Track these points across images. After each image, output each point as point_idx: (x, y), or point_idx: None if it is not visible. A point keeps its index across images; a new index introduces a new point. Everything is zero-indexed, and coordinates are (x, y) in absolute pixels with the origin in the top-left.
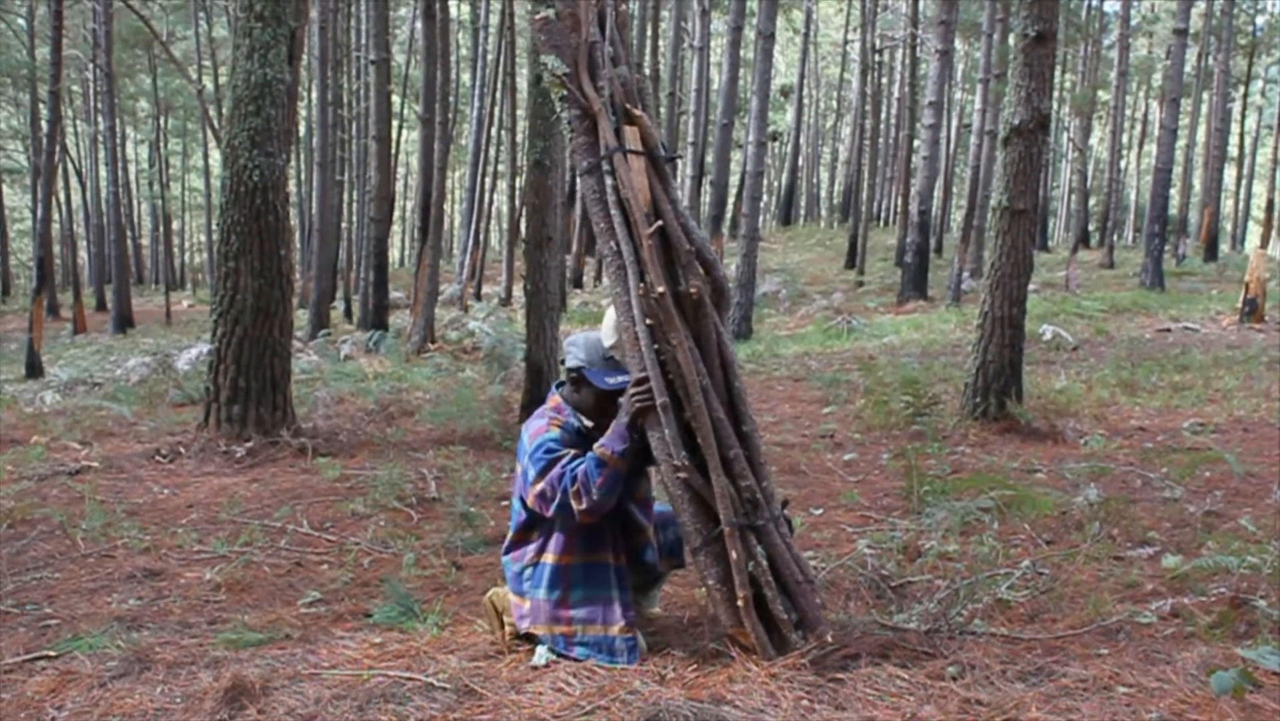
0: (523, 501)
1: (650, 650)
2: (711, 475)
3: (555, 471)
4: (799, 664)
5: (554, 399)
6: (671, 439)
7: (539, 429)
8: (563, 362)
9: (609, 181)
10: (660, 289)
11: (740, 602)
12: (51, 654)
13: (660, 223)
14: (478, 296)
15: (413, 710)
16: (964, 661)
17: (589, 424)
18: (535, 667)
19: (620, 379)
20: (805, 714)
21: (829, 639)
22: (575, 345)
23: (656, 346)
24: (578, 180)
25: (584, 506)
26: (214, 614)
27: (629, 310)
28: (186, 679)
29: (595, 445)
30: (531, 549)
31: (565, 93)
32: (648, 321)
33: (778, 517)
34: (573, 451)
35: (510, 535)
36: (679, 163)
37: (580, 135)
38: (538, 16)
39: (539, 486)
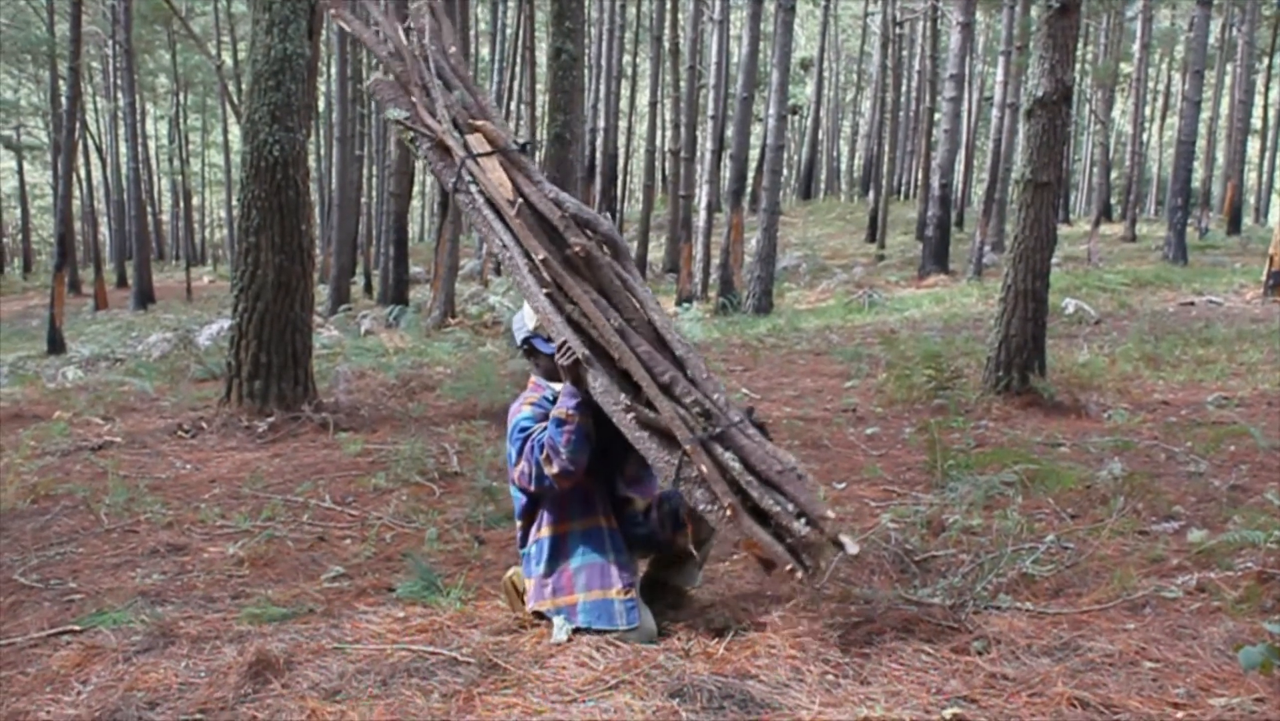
0: (514, 485)
1: (674, 624)
2: (656, 403)
3: (528, 447)
4: (824, 637)
5: (531, 379)
6: (606, 386)
7: (514, 411)
8: (512, 343)
9: (475, 189)
10: (541, 254)
11: (729, 512)
12: (76, 628)
13: (520, 200)
14: (498, 271)
15: (437, 684)
16: (989, 636)
17: None
18: (557, 644)
19: None
20: (830, 688)
21: (830, 514)
22: (517, 320)
23: (565, 312)
24: (452, 200)
25: (556, 470)
26: (237, 588)
27: (531, 291)
28: (210, 653)
29: (552, 410)
30: (533, 529)
31: (413, 134)
32: (545, 291)
33: (738, 422)
34: (543, 426)
35: (519, 525)
36: (703, 136)
37: (438, 162)
38: (369, 81)
39: (520, 466)
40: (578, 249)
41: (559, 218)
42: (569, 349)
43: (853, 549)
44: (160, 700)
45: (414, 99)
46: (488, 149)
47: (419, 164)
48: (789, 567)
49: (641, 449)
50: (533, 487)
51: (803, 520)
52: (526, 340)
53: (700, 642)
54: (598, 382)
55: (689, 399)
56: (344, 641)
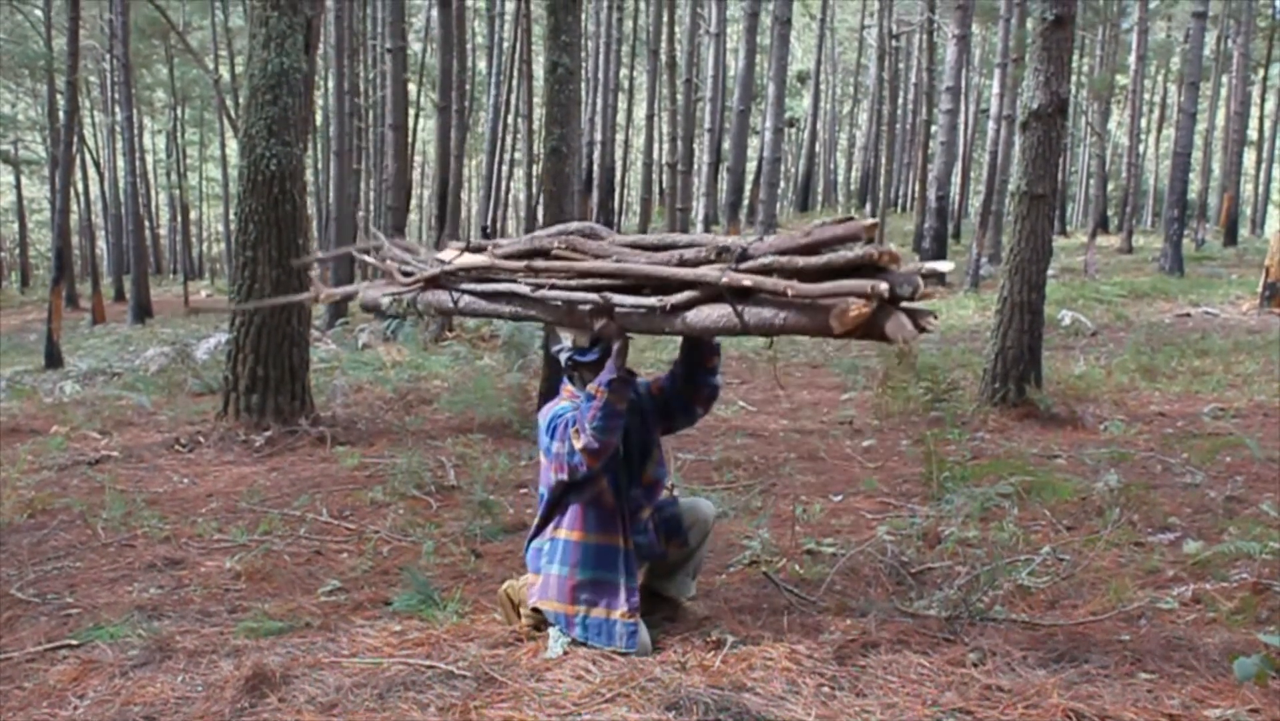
0: (548, 486)
1: (670, 637)
2: (678, 276)
3: (562, 425)
4: (820, 650)
5: (566, 388)
6: (635, 304)
7: (547, 409)
8: (558, 363)
9: (464, 285)
10: (523, 263)
11: (789, 293)
12: (73, 643)
13: (495, 250)
14: None
15: (433, 698)
16: (985, 648)
17: None
18: (553, 657)
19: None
20: (826, 700)
21: (867, 221)
22: (559, 341)
23: (573, 286)
24: (459, 302)
25: (582, 444)
26: (234, 602)
27: (540, 299)
28: (207, 667)
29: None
30: (549, 527)
31: (406, 301)
32: (548, 284)
33: (756, 240)
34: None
35: (536, 521)
36: (700, 149)
37: (433, 297)
38: (359, 301)
39: (555, 448)
40: (560, 244)
41: (534, 239)
42: (596, 307)
43: (944, 266)
44: (157, 714)
45: (396, 279)
46: (457, 253)
47: (415, 175)
48: (871, 286)
49: (701, 329)
50: (565, 473)
51: (853, 247)
52: (570, 358)
53: (696, 655)
54: (632, 315)
55: (702, 254)
56: (340, 655)
